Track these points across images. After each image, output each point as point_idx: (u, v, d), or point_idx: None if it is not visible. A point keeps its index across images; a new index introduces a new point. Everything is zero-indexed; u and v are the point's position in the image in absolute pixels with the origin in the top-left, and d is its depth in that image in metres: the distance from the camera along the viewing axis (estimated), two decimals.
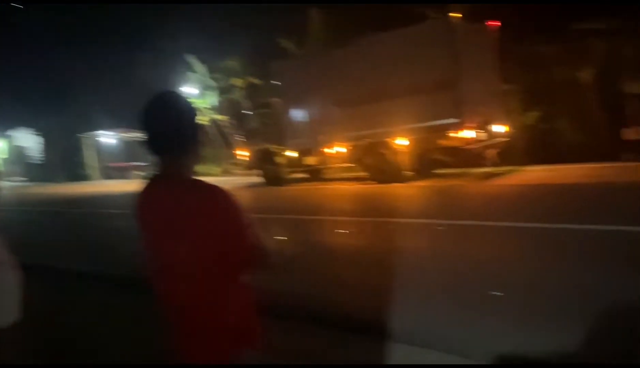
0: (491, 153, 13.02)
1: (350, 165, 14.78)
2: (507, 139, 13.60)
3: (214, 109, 24.20)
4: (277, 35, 20.76)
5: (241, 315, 1.71)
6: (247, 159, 17.59)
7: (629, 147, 15.26)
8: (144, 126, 1.67)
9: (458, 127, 12.17)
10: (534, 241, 6.36)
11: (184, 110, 1.71)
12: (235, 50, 22.90)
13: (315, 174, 16.23)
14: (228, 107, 24.38)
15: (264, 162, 16.61)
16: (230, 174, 23.89)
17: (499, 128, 13.38)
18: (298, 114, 15.62)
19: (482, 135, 12.63)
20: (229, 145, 23.84)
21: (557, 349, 3.35)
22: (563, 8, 15.40)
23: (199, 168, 1.75)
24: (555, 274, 4.86)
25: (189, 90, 23.08)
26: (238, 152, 18.24)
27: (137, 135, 24.38)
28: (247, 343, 1.71)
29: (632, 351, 3.23)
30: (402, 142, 13.20)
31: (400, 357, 3.48)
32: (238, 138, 18.50)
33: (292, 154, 15.83)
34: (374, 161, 13.77)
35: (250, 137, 17.57)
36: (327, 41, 18.69)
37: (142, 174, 23.82)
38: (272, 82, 16.54)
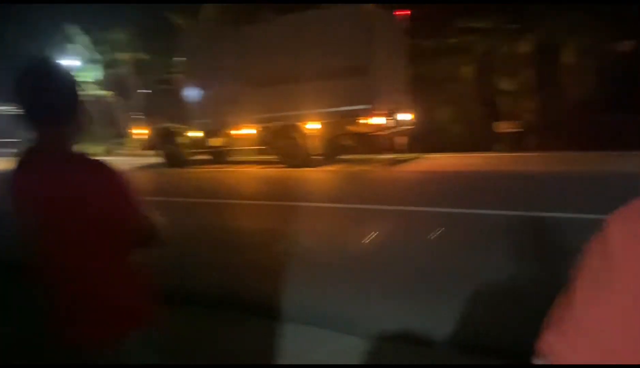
0: (397, 140, 13.52)
1: (258, 147, 14.50)
2: (412, 127, 14.16)
3: (98, 83, 22.44)
4: (167, 10, 19.72)
5: (130, 293, 1.67)
6: (145, 138, 16.51)
7: (500, 139, 16.99)
8: (21, 94, 1.52)
9: (368, 113, 12.45)
10: (431, 223, 6.71)
11: (65, 78, 1.60)
12: (122, 22, 21.38)
13: (221, 156, 15.79)
14: (114, 82, 22.77)
15: (164, 142, 15.75)
16: (114, 154, 22.40)
17: (405, 116, 13.89)
18: (203, 93, 14.95)
19: (390, 122, 13.05)
20: (114, 122, 22.32)
21: (437, 325, 3.65)
22: (447, 6, 16.47)
23: (77, 147, 1.63)
24: (440, 257, 5.27)
25: (70, 62, 21.13)
26: (134, 131, 17.04)
27: (6, 109, 22.18)
28: (136, 322, 1.67)
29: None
30: (313, 126, 13.25)
31: (288, 335, 3.67)
32: (134, 116, 17.26)
33: (196, 134, 15.22)
34: (284, 144, 13.65)
35: (147, 115, 16.39)
36: (223, 20, 17.97)
37: (15, 151, 21.38)
38: (176, 58, 15.65)
